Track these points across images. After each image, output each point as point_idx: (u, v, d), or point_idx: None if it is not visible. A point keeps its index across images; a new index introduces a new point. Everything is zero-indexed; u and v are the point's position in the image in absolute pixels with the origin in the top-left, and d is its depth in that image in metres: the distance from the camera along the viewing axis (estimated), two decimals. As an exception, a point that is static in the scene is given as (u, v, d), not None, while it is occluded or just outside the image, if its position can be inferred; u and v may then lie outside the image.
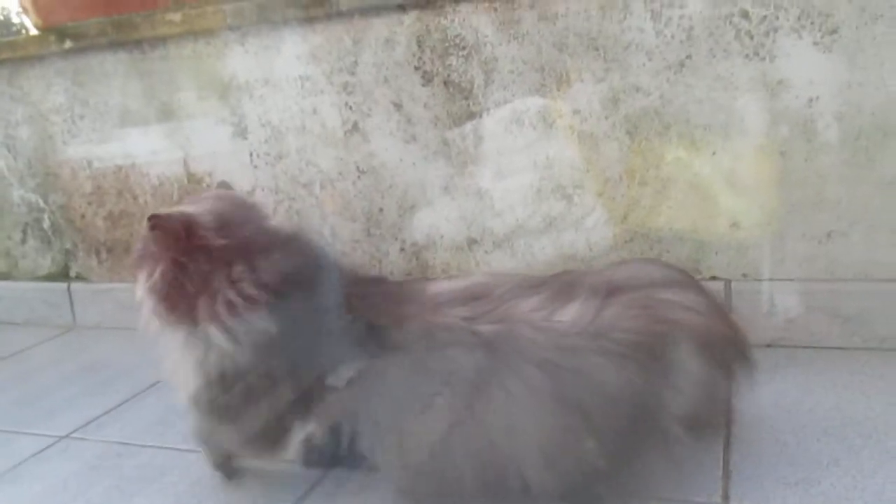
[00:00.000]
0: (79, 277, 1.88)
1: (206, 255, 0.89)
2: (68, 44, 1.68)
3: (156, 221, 0.87)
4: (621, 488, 0.87)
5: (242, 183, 1.62)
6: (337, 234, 1.57)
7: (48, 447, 1.23)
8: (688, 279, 1.02)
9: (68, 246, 1.87)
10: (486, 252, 1.46)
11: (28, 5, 1.72)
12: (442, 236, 1.49)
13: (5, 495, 1.09)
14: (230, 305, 0.88)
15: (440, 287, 0.94)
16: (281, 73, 1.53)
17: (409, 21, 1.41)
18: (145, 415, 1.31)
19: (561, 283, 0.91)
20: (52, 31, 1.69)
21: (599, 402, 0.81)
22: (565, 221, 1.39)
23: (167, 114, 1.66)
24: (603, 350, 0.81)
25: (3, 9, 2.08)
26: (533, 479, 0.81)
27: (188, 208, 0.94)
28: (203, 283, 0.89)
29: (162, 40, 1.60)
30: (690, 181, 1.30)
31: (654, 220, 1.34)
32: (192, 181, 1.68)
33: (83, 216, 1.82)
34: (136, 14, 1.60)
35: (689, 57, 1.26)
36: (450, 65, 1.40)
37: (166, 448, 1.17)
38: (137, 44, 1.63)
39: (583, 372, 0.81)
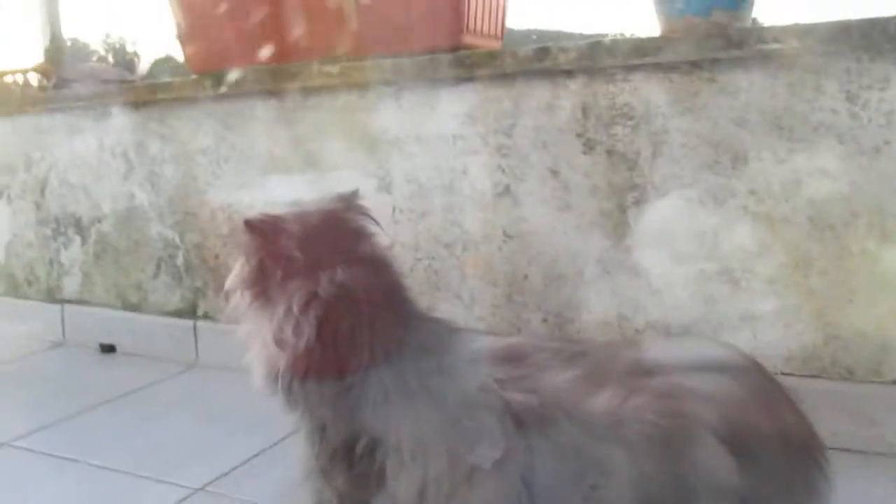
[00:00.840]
0: (206, 316, 1.88)
1: (282, 263, 0.92)
2: (223, 89, 1.70)
3: (247, 223, 0.93)
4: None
5: (382, 238, 1.60)
6: (476, 297, 1.52)
7: (185, 499, 1.20)
8: (737, 364, 0.88)
9: (198, 284, 1.88)
10: (636, 331, 1.38)
11: (187, 52, 1.77)
12: (590, 311, 1.42)
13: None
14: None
15: (481, 343, 0.93)
16: (433, 130, 1.50)
17: (576, 87, 1.36)
18: (279, 473, 1.27)
19: (598, 359, 0.88)
20: (210, 75, 1.72)
21: (616, 491, 0.78)
22: (729, 306, 1.30)
23: (312, 163, 1.66)
24: (623, 440, 0.79)
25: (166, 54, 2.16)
26: None
27: (285, 214, 0.96)
28: (277, 289, 0.93)
29: (316, 90, 1.61)
30: (878, 275, 1.20)
31: (832, 313, 1.23)
32: (331, 231, 1.66)
33: (217, 256, 1.83)
34: (294, 64, 1.61)
35: (887, 143, 1.16)
36: (615, 134, 1.34)
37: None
38: (291, 93, 1.64)
39: (603, 461, 0.79)
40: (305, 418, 0.97)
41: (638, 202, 1.34)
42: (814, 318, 1.24)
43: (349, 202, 1.03)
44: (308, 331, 0.91)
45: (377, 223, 1.03)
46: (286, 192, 1.70)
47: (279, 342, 0.92)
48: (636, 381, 0.82)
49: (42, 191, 2.12)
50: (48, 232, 2.14)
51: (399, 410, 0.88)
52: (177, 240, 1.90)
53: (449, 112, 1.48)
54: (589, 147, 1.37)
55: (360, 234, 1.00)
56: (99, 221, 2.02)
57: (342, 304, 0.91)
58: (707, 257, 1.30)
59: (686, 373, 0.83)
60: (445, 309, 1.55)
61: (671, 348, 0.95)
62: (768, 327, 1.27)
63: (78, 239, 2.07)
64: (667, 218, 1.32)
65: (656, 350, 0.91)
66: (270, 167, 1.71)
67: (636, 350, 0.91)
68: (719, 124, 1.26)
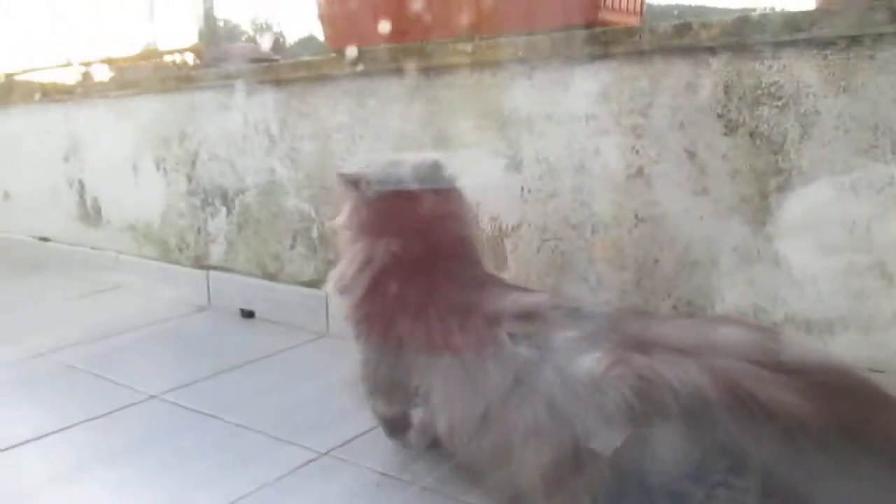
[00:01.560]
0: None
1: (357, 218, 1.13)
2: (360, 67, 1.74)
3: (339, 175, 1.17)
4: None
5: (510, 218, 1.60)
6: (603, 281, 1.48)
7: (311, 461, 1.26)
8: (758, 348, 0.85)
9: (332, 256, 1.95)
10: (774, 323, 1.30)
11: (326, 30, 1.82)
12: (724, 300, 1.35)
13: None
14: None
15: (512, 297, 1.05)
16: (565, 109, 1.47)
17: (718, 65, 1.29)
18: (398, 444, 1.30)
19: (604, 324, 0.94)
20: (346, 53, 1.77)
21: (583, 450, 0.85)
22: (880, 304, 1.20)
23: (443, 140, 1.67)
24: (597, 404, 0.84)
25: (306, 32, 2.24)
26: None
27: (370, 170, 1.14)
28: (353, 240, 1.15)
29: (448, 69, 1.62)
30: None
31: None
32: (459, 209, 1.68)
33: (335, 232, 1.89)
34: (429, 42, 1.62)
35: None
36: (760, 115, 1.26)
37: (425, 489, 1.15)
38: (424, 71, 1.66)
39: (575, 421, 0.86)
40: (363, 350, 1.18)
41: (782, 188, 1.26)
42: (980, 320, 1.13)
43: (435, 170, 1.17)
44: (361, 287, 1.12)
45: (460, 193, 1.22)
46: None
47: (340, 288, 1.15)
48: (627, 352, 0.86)
49: (193, 163, 2.26)
50: (197, 202, 2.28)
51: (433, 361, 1.05)
52: (312, 213, 1.97)
53: (582, 90, 1.44)
54: (730, 129, 1.30)
55: (430, 203, 1.15)
56: (242, 193, 2.13)
57: (392, 271, 1.09)
58: (858, 249, 1.21)
59: (677, 354, 0.84)
60: (571, 291, 1.53)
61: (687, 327, 0.94)
62: (925, 328, 1.17)
63: (223, 210, 2.20)
64: (814, 206, 1.24)
65: (668, 326, 0.94)
66: (402, 144, 1.74)
67: (650, 323, 0.94)
68: (879, 105, 1.16)
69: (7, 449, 1.36)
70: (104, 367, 1.76)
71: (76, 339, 1.96)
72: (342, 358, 1.75)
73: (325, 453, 1.29)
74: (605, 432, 0.83)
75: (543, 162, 1.53)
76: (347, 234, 1.17)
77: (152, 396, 1.58)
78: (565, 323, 0.95)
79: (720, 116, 1.30)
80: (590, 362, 0.87)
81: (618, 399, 0.83)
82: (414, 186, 1.14)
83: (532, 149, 1.54)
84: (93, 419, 1.47)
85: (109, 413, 1.50)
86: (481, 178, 1.63)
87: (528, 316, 0.98)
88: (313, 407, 1.47)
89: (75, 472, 1.27)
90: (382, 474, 1.20)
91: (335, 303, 1.27)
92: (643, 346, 0.87)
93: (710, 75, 1.30)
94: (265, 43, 2.38)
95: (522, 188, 1.57)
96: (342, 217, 1.18)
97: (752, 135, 1.28)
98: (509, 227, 1.60)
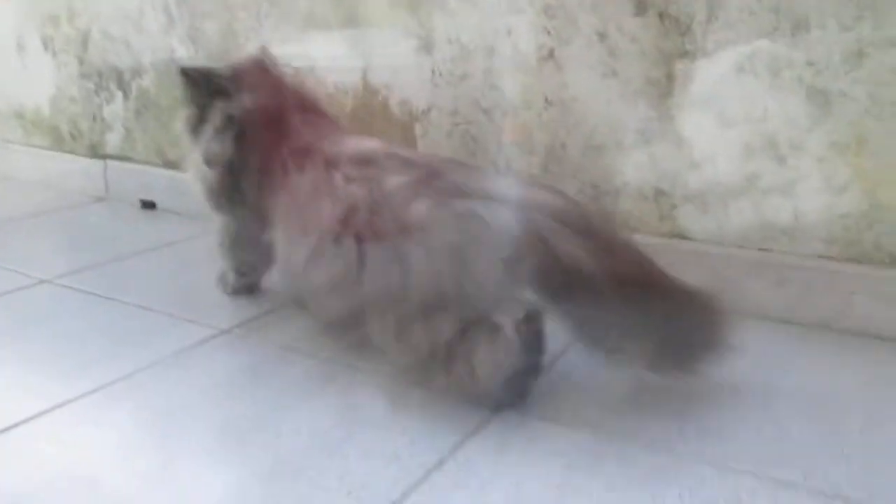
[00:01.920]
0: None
1: (208, 100, 1.25)
2: (264, -63, 1.64)
3: (181, 70, 1.25)
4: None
5: (419, 101, 1.56)
6: (512, 165, 1.49)
7: (212, 337, 1.24)
8: (553, 204, 1.00)
9: (236, 144, 1.88)
10: (673, 206, 1.34)
11: None
12: (627, 183, 1.38)
13: (169, 382, 1.10)
14: None
15: (350, 143, 1.14)
16: (479, -13, 1.44)
17: (632, -58, 1.27)
18: (303, 322, 1.29)
19: (432, 172, 1.03)
20: (250, -78, 1.66)
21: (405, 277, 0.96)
22: (773, 184, 1.25)
23: (352, 21, 1.61)
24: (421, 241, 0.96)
25: None
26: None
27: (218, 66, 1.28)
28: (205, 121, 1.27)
29: (359, -58, 1.54)
30: (936, 158, 1.13)
31: (884, 195, 1.18)
32: (368, 91, 1.63)
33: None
34: (338, -89, 1.54)
35: (966, 11, 1.07)
36: (670, -5, 1.26)
37: (327, 359, 1.15)
38: (333, -57, 1.58)
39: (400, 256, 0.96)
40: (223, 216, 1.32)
41: (687, 70, 1.27)
42: (861, 199, 1.19)
43: (264, 54, 1.30)
44: (227, 145, 1.21)
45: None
46: (324, 49, 1.67)
47: (207, 160, 1.24)
48: (447, 198, 0.97)
49: (84, 43, 2.11)
50: (91, 86, 2.14)
51: (277, 205, 1.16)
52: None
53: (496, -33, 1.41)
54: (640, 10, 1.29)
55: (269, 73, 1.27)
56: (140, 76, 2.01)
57: (251, 122, 1.20)
58: (754, 132, 1.25)
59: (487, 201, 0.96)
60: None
61: (505, 183, 1.06)
62: (811, 207, 1.23)
63: (119, 94, 2.08)
64: (716, 88, 1.26)
65: (488, 180, 1.04)
66: (310, 24, 1.67)
67: (473, 175, 1.05)
68: (783, -13, 1.18)
69: None
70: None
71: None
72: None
73: (228, 330, 1.27)
74: (428, 268, 0.94)
75: (455, 43, 1.49)
76: (190, 128, 1.28)
77: (43, 281, 1.51)
78: (397, 169, 1.03)
79: (631, -4, 1.30)
80: (416, 204, 0.97)
81: (440, 236, 0.95)
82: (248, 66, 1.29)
83: (444, 29, 1.50)
84: (-23, 301, 1.40)
85: (-5, 297, 1.43)
86: (392, 59, 1.59)
87: (364, 160, 1.07)
88: (215, 291, 1.43)
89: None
90: (285, 347, 1.20)
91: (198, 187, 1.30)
92: (465, 193, 0.97)
93: (624, -47, 1.28)
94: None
95: (433, 71, 1.53)
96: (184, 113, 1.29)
97: (661, 16, 1.28)
98: (419, 110, 1.57)
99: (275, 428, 0.96)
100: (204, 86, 1.24)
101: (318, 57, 1.69)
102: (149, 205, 2.04)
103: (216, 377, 1.11)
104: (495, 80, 1.47)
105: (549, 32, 1.39)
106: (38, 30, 2.21)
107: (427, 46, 1.53)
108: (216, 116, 1.22)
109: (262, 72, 1.27)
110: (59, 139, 2.28)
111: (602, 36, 1.34)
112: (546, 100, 1.42)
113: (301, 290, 1.12)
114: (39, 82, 2.27)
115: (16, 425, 0.98)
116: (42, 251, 1.71)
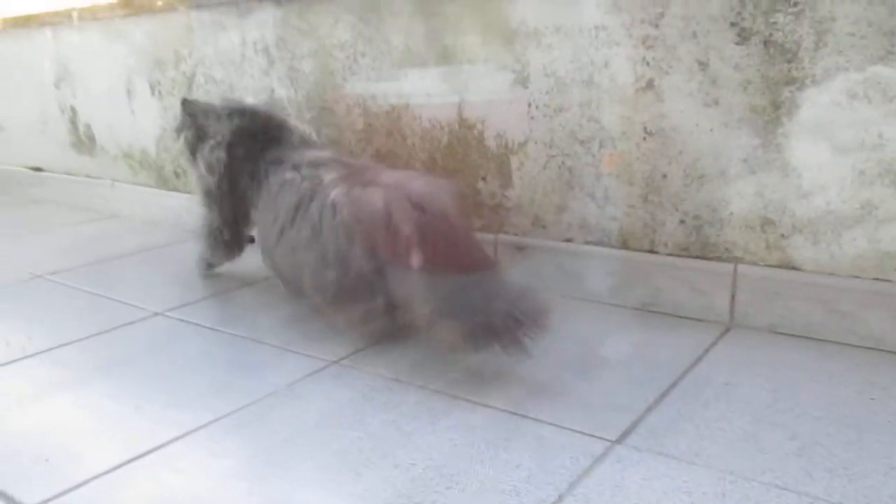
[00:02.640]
0: (338, 211, 1.94)
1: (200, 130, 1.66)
2: (363, -19, 1.70)
3: (183, 101, 1.70)
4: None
5: (515, 134, 1.58)
6: (610, 196, 1.48)
7: (320, 369, 1.27)
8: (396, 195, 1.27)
9: (333, 179, 1.93)
10: (781, 236, 1.31)
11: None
12: (731, 213, 1.35)
13: (284, 411, 1.13)
14: None
15: (310, 152, 1.52)
16: (575, 21, 1.45)
17: (733, -29, 1.27)
18: (404, 350, 1.31)
19: (354, 170, 1.42)
20: (349, -33, 1.72)
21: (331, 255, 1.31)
22: (891, 212, 1.21)
23: (447, 57, 1.64)
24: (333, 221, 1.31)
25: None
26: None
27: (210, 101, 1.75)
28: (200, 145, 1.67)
29: (455, -19, 1.58)
30: None
31: None
32: (464, 126, 1.66)
33: (351, 152, 1.87)
34: (435, -47, 1.58)
35: None
36: (774, 22, 1.25)
37: (437, 391, 1.16)
38: (429, -16, 1.62)
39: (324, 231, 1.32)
40: (206, 210, 1.68)
41: (794, 97, 1.25)
42: None
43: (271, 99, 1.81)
44: (222, 157, 1.59)
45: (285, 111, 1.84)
46: (419, 85, 1.70)
47: (209, 168, 1.61)
48: (353, 187, 1.32)
49: (190, 86, 2.22)
50: (194, 127, 2.24)
51: (255, 197, 1.55)
52: (314, 135, 1.94)
53: (592, 2, 1.42)
54: (744, 38, 1.28)
55: (255, 111, 1.65)
56: (241, 116, 2.10)
57: (234, 144, 1.58)
58: (869, 159, 1.21)
59: (375, 187, 1.30)
60: (576, 207, 1.53)
61: (396, 174, 1.39)
62: (933, 235, 1.18)
63: (221, 134, 2.17)
64: (826, 115, 1.23)
65: (390, 174, 1.38)
66: (406, 61, 1.71)
67: (378, 172, 1.39)
68: (897, 10, 1.15)
69: (14, 361, 1.36)
70: (106, 288, 1.75)
71: (75, 264, 1.95)
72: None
73: (335, 361, 1.30)
74: (333, 232, 1.30)
75: (551, 76, 1.51)
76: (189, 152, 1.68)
77: (157, 313, 1.58)
78: (335, 169, 1.41)
79: (733, 25, 1.28)
80: (335, 191, 1.33)
81: (341, 210, 1.29)
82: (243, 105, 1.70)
83: (539, 63, 1.52)
84: (97, 334, 1.48)
85: (113, 329, 1.50)
86: (487, 94, 1.61)
87: (315, 164, 1.44)
88: (318, 322, 1.47)
89: (78, 380, 1.28)
90: (394, 379, 1.21)
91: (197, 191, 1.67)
92: (366, 183, 1.32)
93: (725, -18, 1.28)
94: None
95: (529, 104, 1.55)
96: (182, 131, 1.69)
97: (765, 43, 1.26)
98: (515, 143, 1.59)
99: (391, 459, 0.98)
100: (201, 114, 1.64)
101: (413, 93, 1.73)
102: (252, 240, 2.11)
103: (329, 408, 1.13)
104: (592, 111, 1.47)
105: (647, 63, 1.39)
106: (146, 75, 2.34)
107: (523, 80, 1.55)
108: (214, 136, 1.60)
109: (252, 108, 1.67)
110: (164, 178, 2.40)
111: (703, 65, 1.33)
112: (645, 130, 1.42)
113: (273, 259, 1.48)
114: (146, 124, 2.40)
115: (140, 456, 1.02)
116: (153, 285, 1.79)
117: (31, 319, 1.60)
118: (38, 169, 2.90)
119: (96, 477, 0.97)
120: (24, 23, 2.70)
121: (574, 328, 1.38)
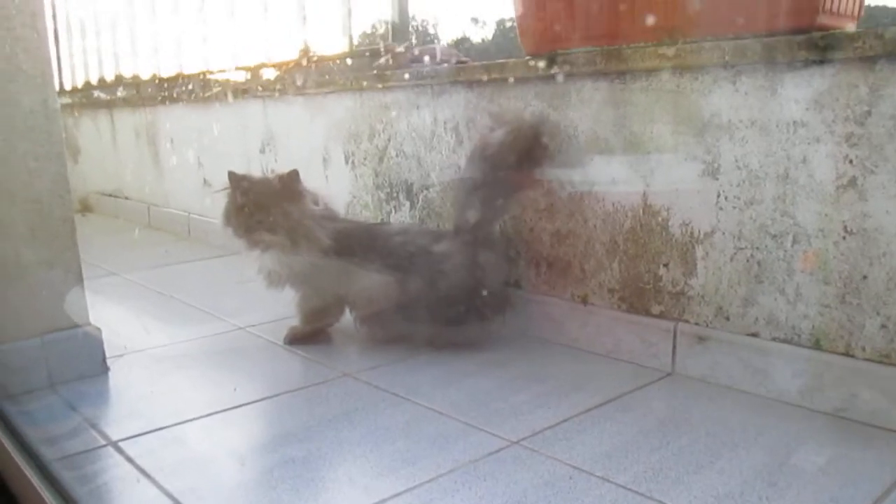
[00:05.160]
0: (514, 284, 2.00)
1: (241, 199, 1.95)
2: (555, 70, 1.78)
3: (229, 174, 1.98)
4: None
5: (702, 224, 1.58)
6: (803, 294, 1.44)
7: (501, 449, 1.31)
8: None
9: (512, 254, 2.00)
10: None
11: (522, 33, 1.87)
12: (943, 322, 1.28)
13: (473, 490, 1.18)
14: None
15: (317, 210, 1.92)
16: (772, 116, 1.44)
17: (953, 72, 1.22)
18: (587, 438, 1.33)
19: (329, 215, 1.95)
20: (542, 56, 1.81)
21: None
22: None
23: (635, 145, 1.68)
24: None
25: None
26: None
27: (251, 175, 2.03)
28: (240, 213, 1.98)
29: (647, 72, 1.62)
30: None
31: None
32: (648, 213, 1.68)
33: (531, 230, 1.94)
34: (628, 46, 1.63)
35: None
36: None
37: (620, 486, 1.17)
38: (620, 74, 1.67)
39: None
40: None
41: None
42: None
43: (290, 175, 1.93)
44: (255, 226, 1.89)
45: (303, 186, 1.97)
46: (604, 171, 1.74)
47: (224, 222, 1.97)
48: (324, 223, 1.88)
49: (381, 159, 2.39)
50: (382, 196, 2.41)
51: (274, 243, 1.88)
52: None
53: (792, 97, 1.40)
54: (962, 140, 1.22)
55: (281, 187, 1.91)
56: (427, 189, 2.23)
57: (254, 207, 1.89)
58: None
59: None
60: (765, 302, 1.50)
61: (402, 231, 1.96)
62: None
63: (407, 204, 2.31)
64: None
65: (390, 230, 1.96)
66: (593, 148, 1.76)
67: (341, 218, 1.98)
68: None
69: (207, 415, 1.51)
70: (304, 346, 1.90)
71: (272, 318, 2.13)
72: (526, 352, 1.81)
73: (516, 442, 1.33)
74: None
75: (743, 169, 1.50)
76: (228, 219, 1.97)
77: (346, 374, 1.69)
78: (323, 217, 1.91)
79: (951, 127, 1.23)
80: (315, 226, 1.86)
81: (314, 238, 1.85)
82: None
83: (731, 155, 1.51)
84: (291, 391, 1.61)
85: (306, 387, 1.63)
86: (674, 182, 1.62)
87: (323, 217, 1.90)
88: (498, 396, 1.52)
89: (278, 439, 1.39)
90: (574, 468, 1.23)
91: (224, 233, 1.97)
92: (331, 220, 1.93)
93: (942, 83, 1.23)
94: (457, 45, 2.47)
95: (719, 194, 1.55)
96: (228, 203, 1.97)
97: None
98: (702, 233, 1.58)
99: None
100: (242, 186, 1.92)
101: (598, 179, 1.77)
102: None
103: (509, 494, 1.17)
104: (787, 206, 1.44)
105: (850, 161, 1.35)
106: (342, 146, 2.55)
107: (713, 171, 1.55)
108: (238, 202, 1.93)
109: (279, 179, 1.93)
110: (351, 240, 2.57)
111: (914, 166, 1.28)
112: (845, 228, 1.37)
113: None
114: (339, 190, 2.59)
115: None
116: (340, 344, 1.93)
117: (234, 370, 1.77)
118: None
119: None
120: (243, 93, 3.03)
121: (763, 432, 1.34)
